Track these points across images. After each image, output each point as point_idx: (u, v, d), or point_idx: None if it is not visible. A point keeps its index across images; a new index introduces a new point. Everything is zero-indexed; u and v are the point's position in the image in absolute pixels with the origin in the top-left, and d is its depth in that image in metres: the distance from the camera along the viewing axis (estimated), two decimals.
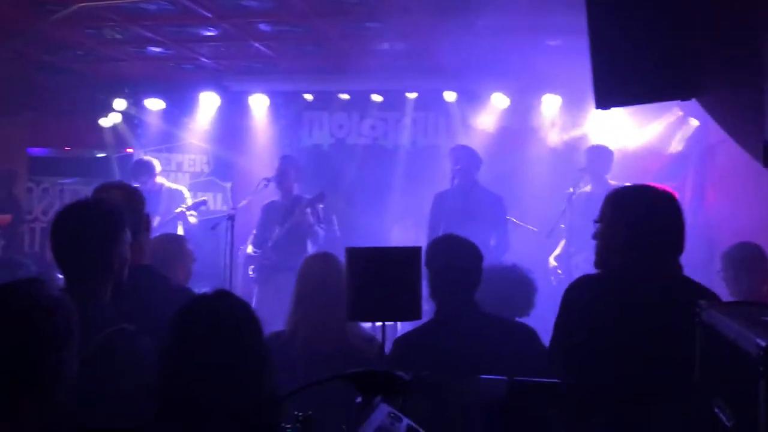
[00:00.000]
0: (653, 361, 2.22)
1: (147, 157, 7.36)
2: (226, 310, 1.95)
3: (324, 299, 3.15)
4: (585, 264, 4.38)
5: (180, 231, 6.42)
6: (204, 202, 6.99)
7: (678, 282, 2.43)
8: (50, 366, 1.63)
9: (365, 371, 1.62)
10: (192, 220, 6.71)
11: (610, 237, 2.48)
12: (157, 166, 7.24)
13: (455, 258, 2.93)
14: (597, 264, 2.52)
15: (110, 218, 2.45)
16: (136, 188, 3.04)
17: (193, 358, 1.87)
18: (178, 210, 6.66)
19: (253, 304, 6.20)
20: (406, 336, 3.00)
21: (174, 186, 7.37)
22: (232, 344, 1.88)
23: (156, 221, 6.65)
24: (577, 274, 2.67)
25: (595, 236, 2.52)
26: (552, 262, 6.17)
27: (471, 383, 2.14)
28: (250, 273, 6.49)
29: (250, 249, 6.55)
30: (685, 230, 2.45)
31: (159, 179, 7.21)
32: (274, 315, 3.41)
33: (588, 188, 6.09)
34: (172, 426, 1.81)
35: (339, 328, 3.11)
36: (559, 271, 5.96)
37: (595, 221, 2.53)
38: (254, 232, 6.55)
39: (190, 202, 7.20)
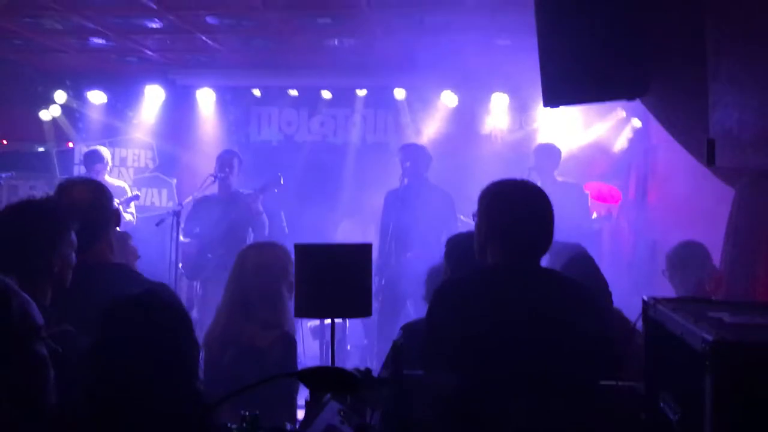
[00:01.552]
0: (537, 356, 2.21)
1: (100, 148, 7.12)
2: (152, 309, 1.91)
3: (251, 292, 3.06)
4: None
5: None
6: (136, 197, 6.76)
7: (551, 277, 2.45)
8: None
9: (315, 368, 1.59)
10: (128, 217, 6.50)
11: (481, 233, 2.46)
12: (109, 158, 7.04)
13: (474, 255, 2.91)
14: (477, 257, 2.50)
15: (50, 221, 2.37)
16: (102, 184, 2.95)
17: (117, 358, 1.84)
18: (126, 216, 6.44)
19: (200, 305, 6.08)
20: (410, 326, 2.96)
21: (115, 182, 7.16)
22: (156, 343, 1.86)
23: None
24: None
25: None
26: None
27: (423, 379, 2.13)
28: (180, 267, 6.29)
29: (182, 238, 6.36)
30: (553, 225, 2.43)
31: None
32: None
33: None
34: (101, 427, 1.76)
35: (236, 323, 3.03)
36: None
37: (473, 215, 2.53)
38: (181, 226, 6.37)
39: (129, 194, 7.03)
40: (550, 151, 6.36)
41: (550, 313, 2.27)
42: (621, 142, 7.17)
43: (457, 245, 2.99)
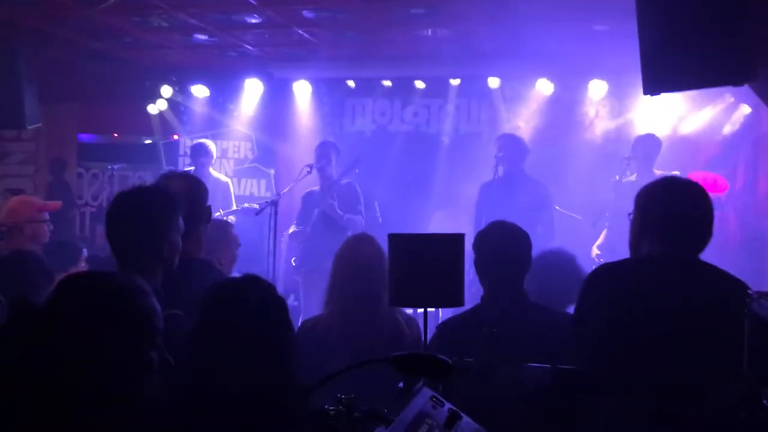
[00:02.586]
0: (680, 348, 2.21)
1: (207, 142, 7.46)
2: (251, 294, 1.99)
3: (361, 281, 3.13)
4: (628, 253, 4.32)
5: None
6: (255, 210, 6.87)
7: (705, 269, 2.39)
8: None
9: (409, 354, 1.62)
10: (231, 218, 6.77)
11: (638, 225, 2.50)
12: (214, 151, 7.36)
13: (504, 245, 2.91)
14: (630, 253, 2.54)
15: (163, 206, 2.47)
16: (199, 179, 3.06)
17: (218, 341, 1.91)
18: (229, 218, 6.68)
19: (301, 294, 6.27)
20: (450, 321, 2.99)
21: (221, 177, 7.47)
22: (256, 327, 1.92)
23: None
24: None
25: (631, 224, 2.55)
26: (595, 250, 6.10)
27: (515, 370, 2.14)
28: (293, 263, 6.52)
29: (292, 228, 6.57)
30: (713, 222, 2.43)
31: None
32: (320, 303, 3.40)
33: (633, 177, 5.98)
34: (200, 408, 1.84)
35: (376, 310, 3.10)
36: (602, 260, 5.88)
37: (629, 214, 2.57)
38: (294, 222, 6.60)
39: (233, 191, 7.34)
40: (650, 142, 6.11)
41: (701, 306, 2.25)
42: (728, 130, 6.82)
43: (487, 238, 2.96)
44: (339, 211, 6.12)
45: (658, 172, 5.83)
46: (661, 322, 2.24)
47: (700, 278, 2.35)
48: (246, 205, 7.08)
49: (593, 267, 5.91)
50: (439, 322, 6.03)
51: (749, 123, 6.68)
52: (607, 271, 2.52)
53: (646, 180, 2.61)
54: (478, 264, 2.94)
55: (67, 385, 1.55)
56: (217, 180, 7.29)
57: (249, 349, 1.89)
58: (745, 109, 6.65)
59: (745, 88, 3.62)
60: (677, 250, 2.38)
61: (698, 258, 2.42)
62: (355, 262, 3.18)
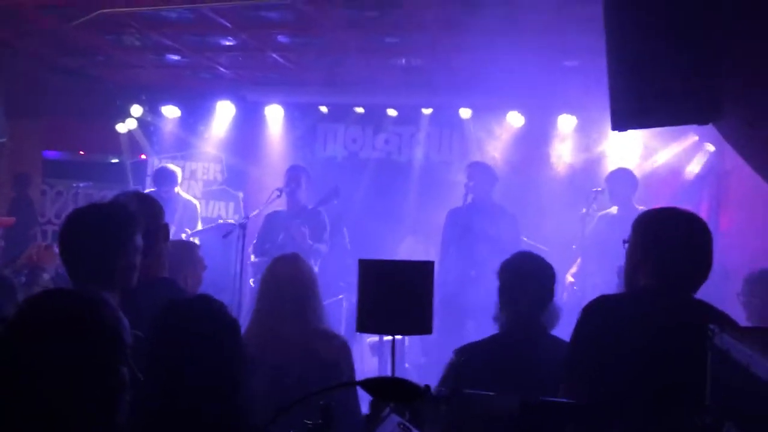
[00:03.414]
0: (667, 385, 2.21)
1: (171, 166, 7.38)
2: (202, 314, 1.97)
3: (280, 303, 3.11)
4: (604, 285, 4.35)
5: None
6: (223, 231, 6.61)
7: (699, 306, 2.40)
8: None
9: (379, 378, 1.61)
10: (195, 240, 6.67)
11: (633, 258, 2.48)
12: (179, 175, 7.28)
13: (529, 276, 2.93)
14: (625, 284, 2.54)
15: (117, 224, 2.41)
16: (153, 198, 3.01)
17: (168, 361, 1.90)
18: (194, 239, 6.60)
19: None
20: (468, 348, 2.97)
21: (189, 198, 7.40)
22: (205, 348, 1.91)
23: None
24: (593, 295, 2.68)
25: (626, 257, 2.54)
26: (569, 278, 6.15)
27: (483, 399, 2.13)
28: (251, 284, 6.47)
29: (253, 258, 6.55)
30: (713, 255, 2.41)
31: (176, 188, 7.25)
32: None
33: (613, 210, 6.05)
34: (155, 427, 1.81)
35: (296, 333, 3.07)
36: (575, 288, 5.94)
37: (624, 242, 2.55)
38: (254, 241, 6.55)
39: (199, 213, 7.27)
40: (626, 177, 6.16)
41: (695, 344, 2.24)
42: (693, 167, 6.98)
43: (510, 268, 2.98)
44: (309, 241, 6.09)
45: (640, 207, 5.86)
46: (651, 359, 2.23)
47: (693, 316, 2.34)
48: (220, 221, 7.01)
49: (563, 293, 5.98)
50: (405, 348, 6.02)
51: (713, 161, 6.84)
52: (603, 303, 2.48)
53: (627, 214, 2.62)
54: (501, 292, 2.95)
55: (42, 403, 1.50)
56: (187, 201, 7.22)
57: (198, 369, 1.87)
58: (709, 148, 6.81)
59: (710, 127, 3.70)
60: (675, 284, 2.37)
61: (693, 295, 2.40)
62: (288, 281, 3.17)
